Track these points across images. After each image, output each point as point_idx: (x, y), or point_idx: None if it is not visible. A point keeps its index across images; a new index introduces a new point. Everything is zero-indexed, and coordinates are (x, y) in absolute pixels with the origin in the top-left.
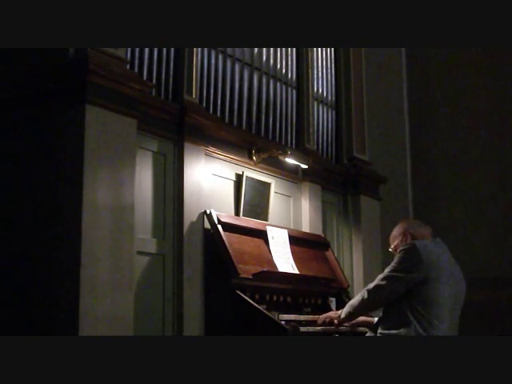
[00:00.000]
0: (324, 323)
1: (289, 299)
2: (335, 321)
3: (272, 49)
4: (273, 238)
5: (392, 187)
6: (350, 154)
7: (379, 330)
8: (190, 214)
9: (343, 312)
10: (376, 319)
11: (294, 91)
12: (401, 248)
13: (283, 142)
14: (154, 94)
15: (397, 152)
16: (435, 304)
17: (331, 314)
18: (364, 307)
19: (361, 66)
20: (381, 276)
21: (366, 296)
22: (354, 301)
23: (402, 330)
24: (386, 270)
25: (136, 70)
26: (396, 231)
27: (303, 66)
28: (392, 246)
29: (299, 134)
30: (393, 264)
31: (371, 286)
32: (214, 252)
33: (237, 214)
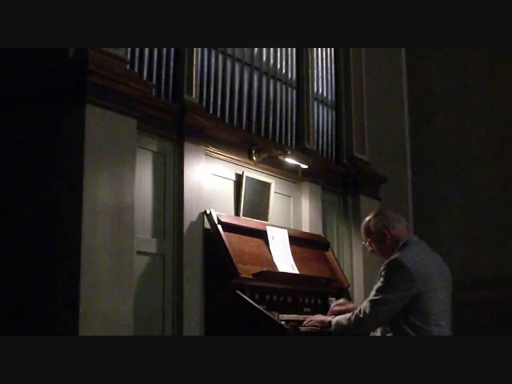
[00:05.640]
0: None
1: (289, 299)
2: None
3: (272, 49)
4: (273, 238)
5: (392, 187)
6: (350, 153)
7: None
8: (190, 214)
9: (333, 328)
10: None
11: (294, 91)
12: (387, 265)
13: (283, 142)
14: (154, 94)
15: (397, 152)
16: (432, 313)
17: (319, 318)
18: (358, 332)
19: (361, 66)
20: (373, 297)
21: (360, 324)
22: (347, 323)
23: None
24: (377, 291)
25: (136, 70)
26: (372, 226)
27: (303, 66)
28: (367, 242)
29: (299, 134)
30: (381, 283)
31: (366, 310)
32: (214, 252)
33: (237, 214)
